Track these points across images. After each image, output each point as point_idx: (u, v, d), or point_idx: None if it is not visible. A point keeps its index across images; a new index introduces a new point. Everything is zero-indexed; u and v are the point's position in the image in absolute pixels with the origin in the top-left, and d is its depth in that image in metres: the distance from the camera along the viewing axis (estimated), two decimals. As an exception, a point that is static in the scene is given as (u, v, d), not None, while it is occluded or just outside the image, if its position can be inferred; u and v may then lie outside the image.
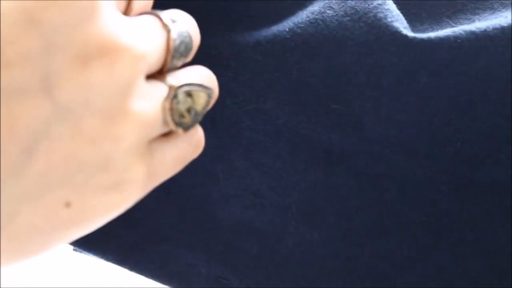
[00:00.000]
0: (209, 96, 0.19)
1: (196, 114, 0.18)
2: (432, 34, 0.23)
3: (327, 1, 0.25)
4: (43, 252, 0.16)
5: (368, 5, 0.24)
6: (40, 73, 0.13)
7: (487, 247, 0.24)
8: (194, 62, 0.20)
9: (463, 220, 0.24)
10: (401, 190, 0.24)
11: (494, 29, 0.22)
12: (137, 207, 0.20)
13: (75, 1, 0.13)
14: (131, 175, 0.16)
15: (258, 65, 0.25)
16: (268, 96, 0.25)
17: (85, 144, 0.15)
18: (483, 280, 0.24)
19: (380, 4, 0.24)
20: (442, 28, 0.24)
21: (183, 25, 0.18)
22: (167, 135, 0.18)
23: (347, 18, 0.24)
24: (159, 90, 0.17)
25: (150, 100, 0.16)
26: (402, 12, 0.25)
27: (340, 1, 0.25)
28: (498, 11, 0.24)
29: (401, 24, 0.24)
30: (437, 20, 0.25)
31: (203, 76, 0.19)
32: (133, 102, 0.15)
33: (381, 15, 0.24)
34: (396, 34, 0.23)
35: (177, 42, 0.17)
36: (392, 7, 0.24)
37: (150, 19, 0.17)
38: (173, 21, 0.18)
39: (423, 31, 0.25)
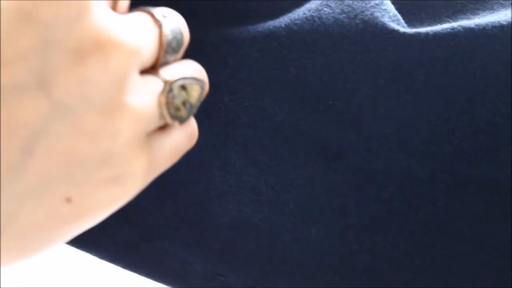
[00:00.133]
0: (202, 88, 0.19)
1: (191, 106, 0.19)
2: (430, 31, 0.23)
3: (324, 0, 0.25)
4: (45, 250, 0.16)
5: (366, 4, 0.24)
6: (37, 70, 0.13)
7: (485, 245, 0.24)
8: (191, 59, 0.20)
9: (461, 217, 0.24)
10: (399, 187, 0.24)
11: (493, 27, 0.22)
12: (132, 205, 0.20)
13: None
14: (131, 169, 0.16)
15: (255, 62, 0.25)
16: (266, 93, 0.25)
17: (84, 139, 0.15)
18: (481, 278, 0.24)
19: (377, 4, 0.24)
20: (441, 28, 0.24)
21: (174, 21, 0.18)
22: (163, 128, 0.18)
23: (344, 15, 0.24)
24: (154, 85, 0.17)
25: (146, 94, 0.16)
26: (401, 12, 0.25)
27: (337, 0, 0.25)
28: (498, 11, 0.24)
29: (398, 24, 0.24)
30: (436, 20, 0.25)
31: (194, 70, 0.19)
32: (129, 96, 0.16)
33: (378, 14, 0.24)
34: (393, 32, 0.23)
35: (170, 37, 0.18)
36: (390, 7, 0.24)
37: (142, 16, 0.17)
38: (165, 17, 0.18)
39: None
